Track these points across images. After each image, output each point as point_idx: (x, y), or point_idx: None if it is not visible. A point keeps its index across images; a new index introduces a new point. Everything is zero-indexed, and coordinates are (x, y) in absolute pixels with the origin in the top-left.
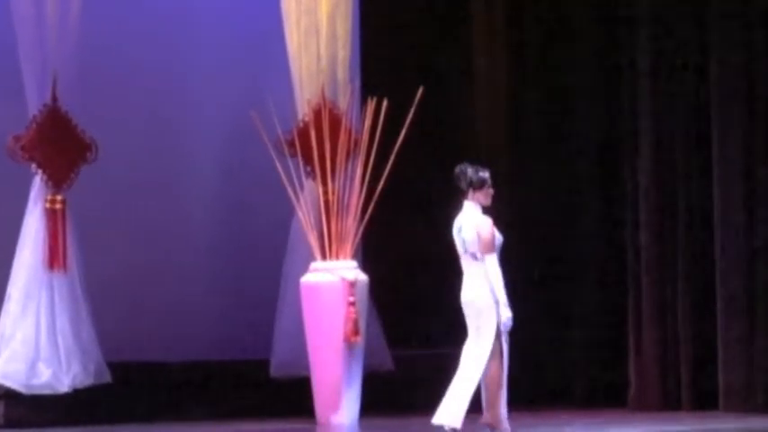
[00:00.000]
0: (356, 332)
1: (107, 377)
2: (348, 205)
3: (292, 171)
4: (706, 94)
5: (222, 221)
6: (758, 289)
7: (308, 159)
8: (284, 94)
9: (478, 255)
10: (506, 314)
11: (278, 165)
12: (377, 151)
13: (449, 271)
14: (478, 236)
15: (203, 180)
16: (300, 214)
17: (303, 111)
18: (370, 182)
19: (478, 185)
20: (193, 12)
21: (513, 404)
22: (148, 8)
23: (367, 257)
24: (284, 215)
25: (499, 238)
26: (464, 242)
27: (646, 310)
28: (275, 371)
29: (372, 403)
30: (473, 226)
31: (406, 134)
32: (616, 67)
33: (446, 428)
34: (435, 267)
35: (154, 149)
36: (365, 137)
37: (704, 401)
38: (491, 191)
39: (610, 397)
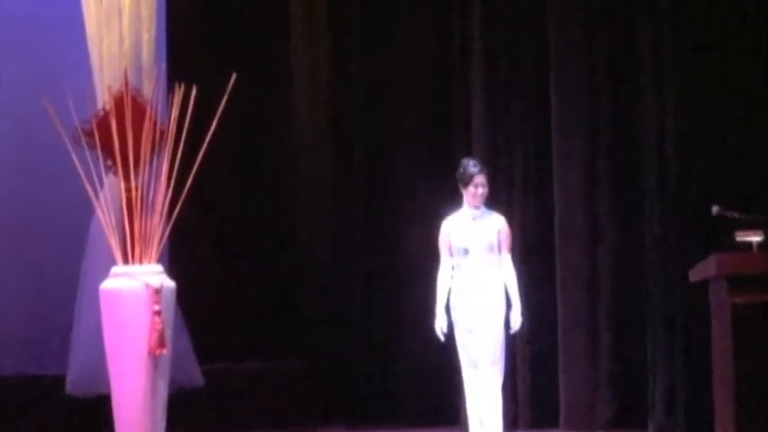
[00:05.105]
0: (162, 344)
1: None
2: (153, 204)
3: (91, 165)
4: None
5: (15, 223)
6: (601, 301)
7: (108, 152)
8: (83, 80)
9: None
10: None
11: (75, 158)
12: (185, 144)
13: (266, 278)
14: None
15: None
16: (100, 213)
17: (103, 98)
18: (177, 178)
19: (463, 183)
20: None
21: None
22: None
23: (174, 262)
24: (83, 214)
25: (461, 242)
26: None
27: None
28: (71, 387)
29: (179, 422)
30: None
31: (217, 125)
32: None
33: None
34: (251, 274)
35: None
36: (172, 128)
37: (544, 420)
38: (479, 191)
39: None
